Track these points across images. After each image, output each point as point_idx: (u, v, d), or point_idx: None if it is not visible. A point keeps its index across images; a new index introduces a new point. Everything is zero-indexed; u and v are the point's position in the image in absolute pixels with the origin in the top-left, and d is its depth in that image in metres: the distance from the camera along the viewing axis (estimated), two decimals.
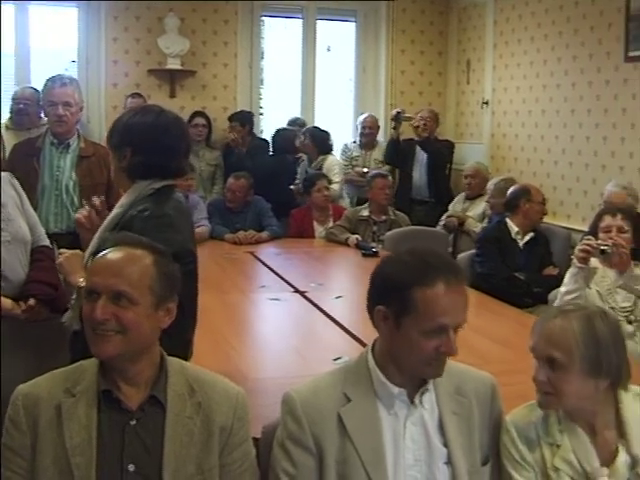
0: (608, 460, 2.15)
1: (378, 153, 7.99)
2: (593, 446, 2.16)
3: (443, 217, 7.06)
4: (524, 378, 3.11)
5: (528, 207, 5.32)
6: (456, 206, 7.22)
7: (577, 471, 2.14)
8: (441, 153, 7.66)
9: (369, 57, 8.98)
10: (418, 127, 7.57)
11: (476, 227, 6.70)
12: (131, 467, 2.00)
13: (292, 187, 7.49)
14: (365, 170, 7.67)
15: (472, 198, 7.12)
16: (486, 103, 8.22)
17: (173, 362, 2.15)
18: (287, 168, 7.53)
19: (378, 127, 8.15)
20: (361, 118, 8.13)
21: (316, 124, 8.25)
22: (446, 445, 2.09)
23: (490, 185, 6.54)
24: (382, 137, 8.47)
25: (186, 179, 5.81)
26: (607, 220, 4.12)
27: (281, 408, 2.11)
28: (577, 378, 2.12)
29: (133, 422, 2.04)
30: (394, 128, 7.69)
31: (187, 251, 2.64)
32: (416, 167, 7.62)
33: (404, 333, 2.01)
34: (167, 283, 2.09)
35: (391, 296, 2.02)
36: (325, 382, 2.13)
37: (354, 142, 8.11)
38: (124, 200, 2.71)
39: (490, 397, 2.22)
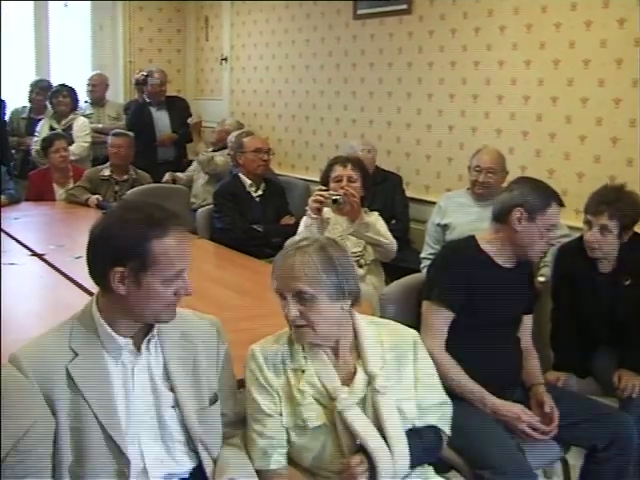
0: (348, 380, 2.34)
1: (110, 110, 7.89)
2: (335, 368, 2.34)
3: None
4: (262, 322, 3.25)
5: (244, 158, 5.36)
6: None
7: (320, 391, 2.30)
8: (177, 110, 7.63)
9: (106, 14, 8.78)
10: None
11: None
12: None
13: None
14: (100, 126, 7.54)
15: (216, 150, 7.13)
16: (225, 59, 8.29)
17: None
18: None
19: (107, 85, 7.99)
20: (89, 76, 7.97)
21: (53, 83, 7.97)
22: (172, 389, 2.14)
23: (230, 138, 6.57)
24: (121, 95, 8.35)
25: None
26: (338, 170, 4.29)
27: None
28: (325, 305, 2.28)
29: None
30: (141, 92, 7.57)
31: None
32: (157, 129, 7.53)
33: (146, 287, 2.03)
34: None
35: (128, 256, 2.02)
36: (50, 338, 2.10)
37: (86, 101, 7.90)
38: None
39: (215, 339, 2.29)
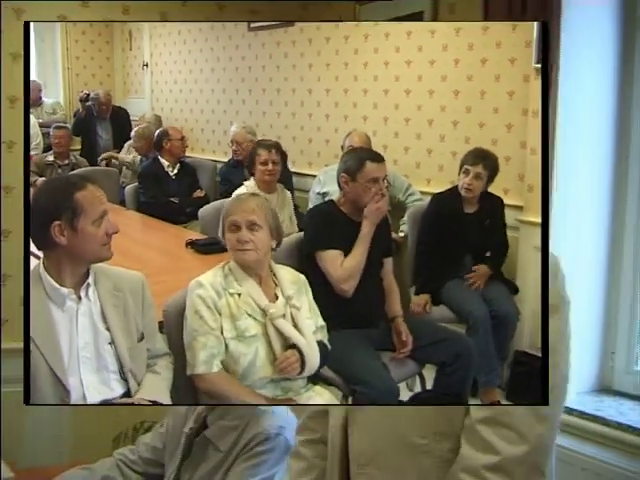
0: (272, 301, 2.46)
1: (47, 107, 7.71)
2: (262, 291, 2.45)
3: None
4: (177, 276, 3.19)
5: (170, 145, 5.35)
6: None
7: (253, 308, 2.41)
8: (119, 119, 7.40)
9: (46, 29, 8.38)
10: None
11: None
12: None
13: None
14: (40, 121, 7.24)
15: None
16: (146, 65, 8.12)
17: None
18: None
19: (40, 90, 7.67)
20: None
21: None
22: (108, 329, 2.13)
23: (133, 132, 6.35)
24: (61, 92, 8.28)
25: None
26: (264, 155, 4.20)
27: None
28: (267, 237, 2.46)
29: None
30: (84, 108, 7.27)
31: None
32: (100, 136, 7.27)
33: (81, 231, 2.02)
34: None
35: (60, 210, 2.00)
36: None
37: None
38: None
39: (141, 290, 2.26)
